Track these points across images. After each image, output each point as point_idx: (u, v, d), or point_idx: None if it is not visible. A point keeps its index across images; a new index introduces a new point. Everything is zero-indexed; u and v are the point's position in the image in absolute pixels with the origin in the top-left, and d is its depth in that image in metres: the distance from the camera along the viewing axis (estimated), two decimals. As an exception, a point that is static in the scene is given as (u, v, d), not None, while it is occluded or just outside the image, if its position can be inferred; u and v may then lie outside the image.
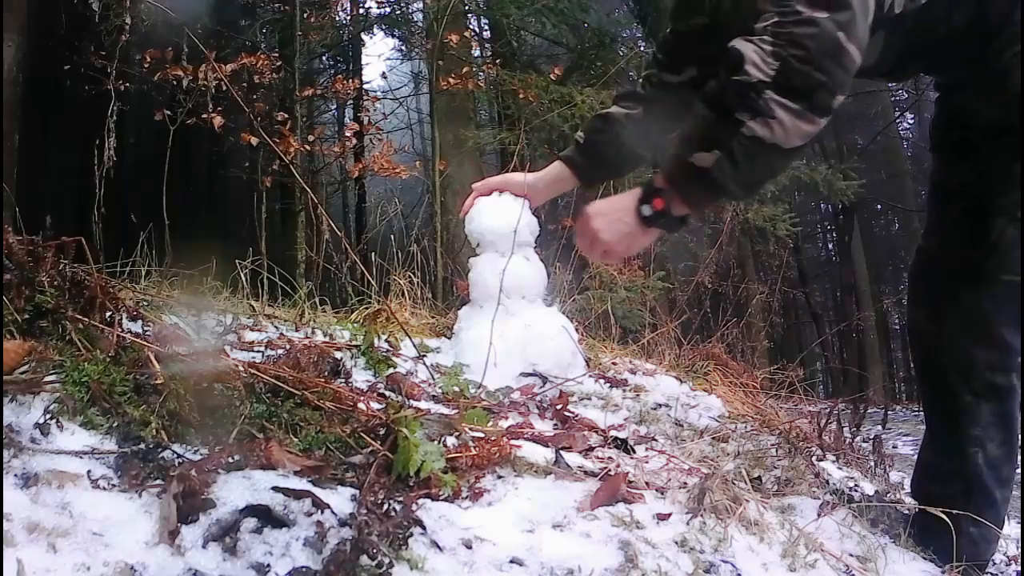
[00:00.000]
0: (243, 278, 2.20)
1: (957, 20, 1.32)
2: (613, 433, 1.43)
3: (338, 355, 1.45)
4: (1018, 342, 1.34)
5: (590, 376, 1.91)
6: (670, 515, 1.02)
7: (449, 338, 2.01)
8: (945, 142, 1.49)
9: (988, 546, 1.32)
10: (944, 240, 1.45)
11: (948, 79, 1.46)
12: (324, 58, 9.49)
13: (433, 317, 2.66)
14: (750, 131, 1.22)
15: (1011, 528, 1.48)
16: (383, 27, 8.61)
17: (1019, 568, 1.40)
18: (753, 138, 1.22)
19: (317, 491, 0.81)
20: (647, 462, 1.30)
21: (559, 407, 1.56)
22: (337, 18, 8.07)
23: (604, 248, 1.40)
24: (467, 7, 7.66)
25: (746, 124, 1.22)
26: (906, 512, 1.47)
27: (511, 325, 1.75)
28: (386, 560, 0.73)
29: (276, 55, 6.86)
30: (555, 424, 1.47)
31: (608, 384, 1.93)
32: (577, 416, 1.53)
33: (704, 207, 1.45)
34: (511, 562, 0.82)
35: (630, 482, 1.12)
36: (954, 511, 1.21)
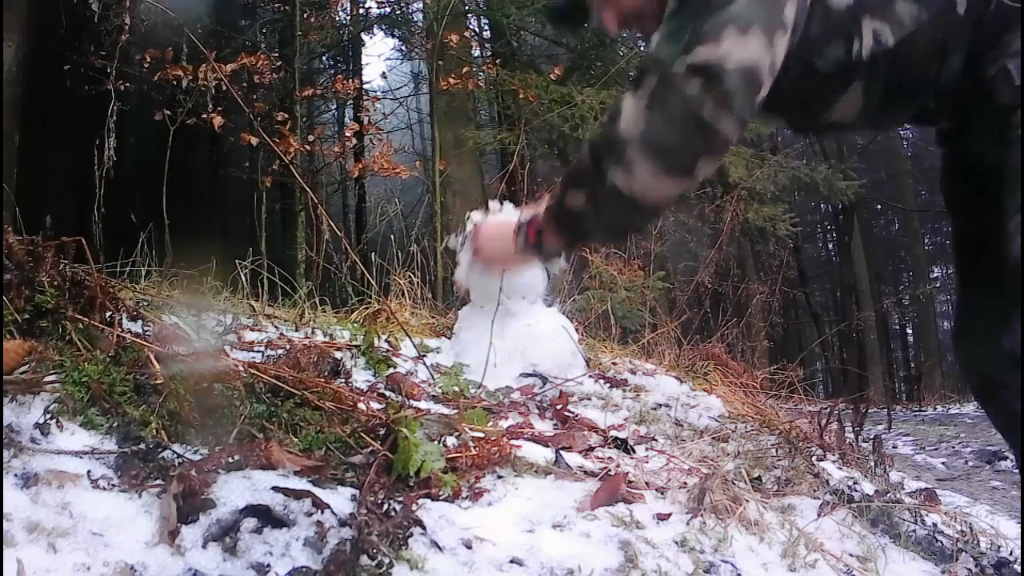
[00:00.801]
0: (243, 278, 2.20)
1: (945, 60, 1.30)
2: (613, 433, 1.43)
3: (338, 355, 1.45)
4: None
5: (590, 376, 1.91)
6: (670, 515, 1.02)
7: (449, 338, 2.01)
8: (956, 197, 1.44)
9: None
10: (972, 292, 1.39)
11: (945, 123, 1.45)
12: (324, 58, 9.50)
13: (433, 317, 2.66)
14: (612, 183, 1.28)
15: (1011, 528, 1.48)
16: (383, 27, 8.61)
17: (1020, 568, 1.40)
18: (614, 188, 1.28)
19: (317, 491, 0.81)
20: (647, 462, 1.30)
21: (559, 407, 1.56)
22: (337, 18, 8.07)
23: (485, 258, 1.55)
24: (467, 7, 7.67)
25: (611, 171, 1.28)
26: (911, 518, 1.47)
27: (511, 325, 1.75)
28: (386, 560, 0.73)
29: (276, 55, 6.87)
30: (555, 424, 1.47)
31: (608, 384, 1.93)
32: (577, 416, 1.53)
33: (572, 246, 1.53)
34: (511, 562, 0.82)
35: (630, 482, 1.12)
36: None
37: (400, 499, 0.89)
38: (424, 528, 0.83)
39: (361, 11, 8.75)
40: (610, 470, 1.16)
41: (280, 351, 1.39)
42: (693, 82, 1.22)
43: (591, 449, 1.30)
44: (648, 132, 1.26)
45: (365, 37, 9.18)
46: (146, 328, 1.20)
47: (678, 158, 1.27)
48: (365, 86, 8.88)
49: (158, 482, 0.79)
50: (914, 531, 1.34)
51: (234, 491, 0.78)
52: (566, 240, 1.45)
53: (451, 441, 1.10)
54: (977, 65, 1.27)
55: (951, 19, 1.28)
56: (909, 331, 21.74)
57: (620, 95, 1.35)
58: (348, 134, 7.06)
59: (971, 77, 1.29)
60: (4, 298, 0.92)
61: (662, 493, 1.12)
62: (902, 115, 1.48)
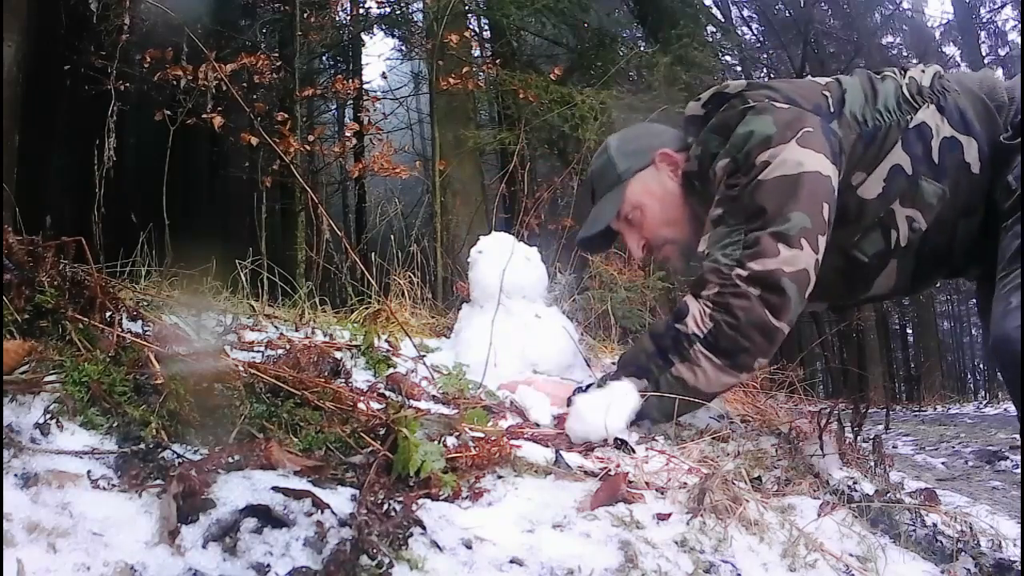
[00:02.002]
0: (243, 278, 2.20)
1: (970, 218, 1.42)
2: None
3: (338, 355, 1.45)
4: None
5: (590, 376, 1.90)
6: (670, 515, 1.02)
7: (449, 338, 2.01)
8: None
9: None
10: None
11: (975, 272, 1.56)
12: (324, 58, 9.49)
13: (433, 317, 2.66)
14: (677, 372, 1.41)
15: (1011, 528, 1.48)
16: (383, 27, 8.61)
17: (1020, 569, 1.40)
18: (679, 378, 1.41)
19: (317, 491, 0.81)
20: (647, 462, 1.30)
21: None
22: (337, 18, 8.07)
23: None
24: (467, 7, 7.66)
25: (675, 365, 1.41)
26: (911, 518, 1.47)
27: (511, 325, 1.75)
28: (386, 560, 0.73)
29: (276, 55, 6.87)
30: (555, 424, 1.47)
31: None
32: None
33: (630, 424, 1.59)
34: (511, 562, 0.82)
35: (630, 482, 1.12)
36: None
37: (400, 499, 0.89)
38: (424, 528, 0.83)
39: (361, 11, 8.75)
40: (610, 470, 1.16)
41: (280, 351, 1.39)
42: (754, 290, 1.35)
43: (591, 449, 1.30)
44: (713, 333, 1.38)
45: (365, 37, 9.19)
46: (146, 328, 1.20)
47: (741, 358, 1.39)
48: (365, 86, 8.88)
49: (158, 482, 0.79)
50: (914, 531, 1.34)
51: (234, 491, 0.77)
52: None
53: (451, 441, 1.10)
54: (996, 221, 1.36)
55: (970, 181, 1.40)
56: (909, 331, 21.74)
57: (684, 295, 1.47)
58: (348, 134, 7.07)
59: (990, 233, 1.38)
60: (4, 298, 0.92)
61: (662, 493, 1.11)
62: (935, 279, 1.60)
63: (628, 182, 1.67)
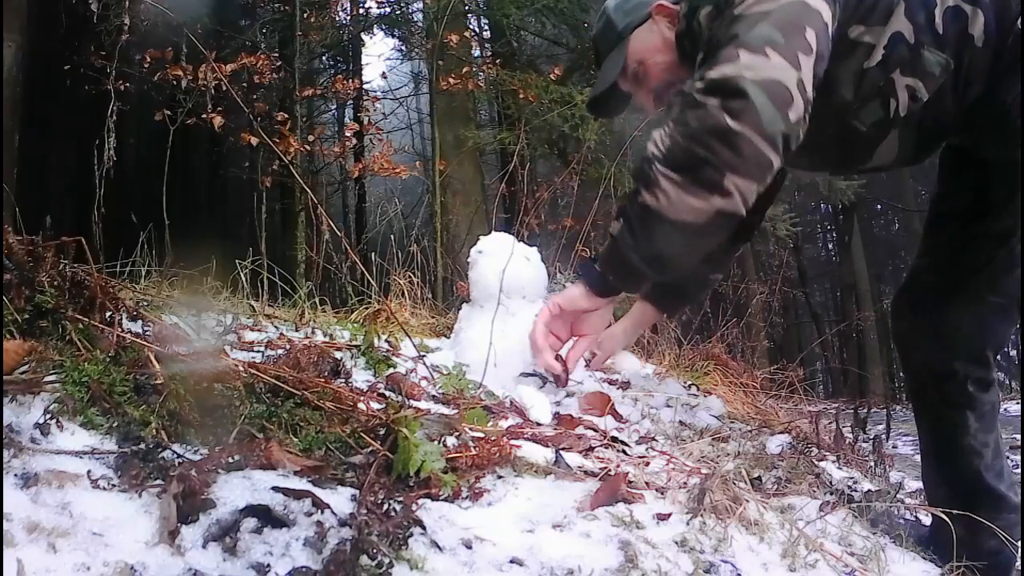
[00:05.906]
0: (243, 278, 2.20)
1: (968, 91, 1.35)
2: (613, 433, 1.43)
3: (338, 355, 1.45)
4: (992, 357, 1.43)
5: (590, 376, 1.91)
6: (670, 515, 1.02)
7: (449, 338, 2.01)
8: (944, 168, 1.55)
9: (1007, 546, 1.33)
10: (936, 260, 1.51)
11: (956, 140, 1.51)
12: (324, 58, 9.49)
13: (433, 317, 2.66)
14: (642, 199, 1.34)
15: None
16: (383, 27, 8.61)
17: (1021, 569, 1.40)
18: (643, 205, 1.33)
19: (317, 491, 0.81)
20: (647, 462, 1.30)
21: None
22: (337, 18, 8.08)
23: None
24: (467, 7, 7.67)
25: (641, 194, 1.34)
26: (911, 518, 1.48)
27: (511, 325, 1.75)
28: (386, 560, 0.73)
29: (276, 55, 6.88)
30: (555, 424, 1.47)
31: (609, 384, 1.93)
32: (577, 416, 1.53)
33: (621, 279, 1.51)
34: (511, 562, 0.82)
35: (630, 482, 1.12)
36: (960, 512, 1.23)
37: (400, 499, 0.89)
38: (424, 528, 0.83)
39: (361, 11, 8.76)
40: (610, 470, 1.16)
41: (280, 351, 1.39)
42: (712, 99, 1.25)
43: (591, 449, 1.30)
44: (671, 148, 1.30)
45: (365, 37, 9.19)
46: (146, 328, 1.20)
47: (703, 172, 1.27)
48: (365, 86, 8.88)
49: (158, 482, 0.79)
50: (914, 531, 1.34)
51: (234, 491, 0.77)
52: (612, 272, 1.48)
53: (451, 441, 1.10)
54: (995, 91, 1.31)
55: (972, 53, 1.32)
56: (909, 331, 21.69)
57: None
58: (348, 134, 7.07)
59: (988, 100, 1.33)
60: (4, 298, 0.92)
61: (662, 493, 1.11)
62: (935, 149, 1.55)
63: (628, 39, 1.62)
